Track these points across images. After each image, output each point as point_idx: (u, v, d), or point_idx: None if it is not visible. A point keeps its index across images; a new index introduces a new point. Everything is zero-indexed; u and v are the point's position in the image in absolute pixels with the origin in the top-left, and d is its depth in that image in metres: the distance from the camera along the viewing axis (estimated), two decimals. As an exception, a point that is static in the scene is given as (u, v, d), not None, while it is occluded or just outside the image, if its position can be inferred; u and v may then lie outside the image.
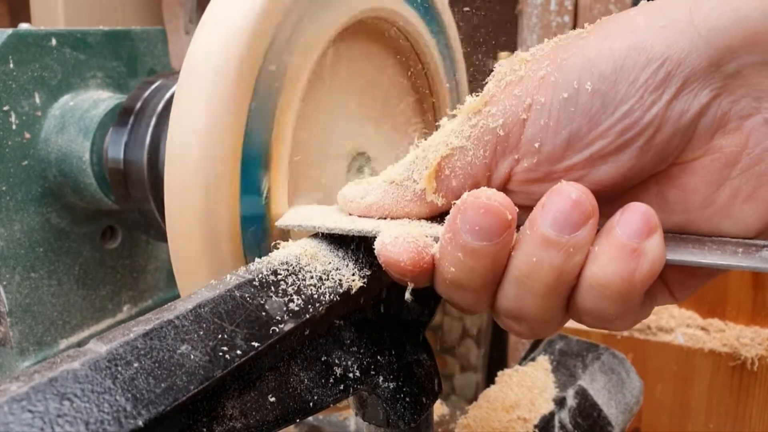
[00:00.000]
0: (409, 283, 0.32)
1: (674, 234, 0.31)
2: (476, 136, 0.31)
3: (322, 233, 0.35)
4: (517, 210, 0.29)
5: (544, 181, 0.31)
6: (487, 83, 0.32)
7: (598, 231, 0.29)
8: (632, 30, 0.29)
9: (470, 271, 0.30)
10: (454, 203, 0.30)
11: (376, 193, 0.34)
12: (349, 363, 0.32)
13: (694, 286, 0.32)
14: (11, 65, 0.49)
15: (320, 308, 0.30)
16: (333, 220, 0.35)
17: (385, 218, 0.34)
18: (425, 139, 0.34)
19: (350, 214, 0.35)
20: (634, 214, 0.28)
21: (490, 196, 0.28)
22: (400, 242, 0.31)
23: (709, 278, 0.32)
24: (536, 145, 0.30)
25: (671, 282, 0.32)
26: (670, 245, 0.29)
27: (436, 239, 0.31)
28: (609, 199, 0.31)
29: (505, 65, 0.32)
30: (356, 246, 0.34)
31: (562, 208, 0.28)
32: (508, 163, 0.31)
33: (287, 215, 0.38)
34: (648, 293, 0.31)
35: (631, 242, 0.28)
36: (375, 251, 0.31)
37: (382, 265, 0.31)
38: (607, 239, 0.28)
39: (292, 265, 0.32)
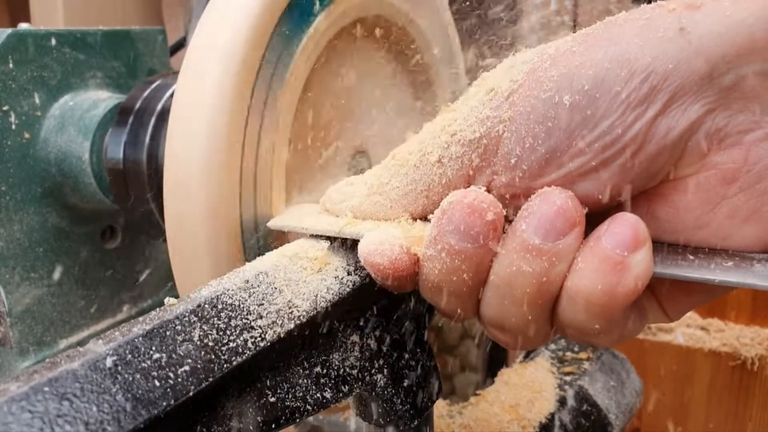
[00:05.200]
0: (391, 286, 0.31)
1: (666, 244, 0.29)
2: (454, 147, 0.30)
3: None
4: (504, 213, 0.28)
5: (524, 197, 0.29)
6: (468, 90, 0.31)
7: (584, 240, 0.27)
8: (616, 40, 0.27)
9: (453, 274, 0.28)
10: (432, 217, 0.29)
11: (356, 198, 0.33)
12: (349, 363, 0.32)
13: (690, 304, 0.30)
14: (11, 65, 0.49)
15: (320, 308, 0.30)
16: (323, 222, 0.34)
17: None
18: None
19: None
20: (623, 225, 0.26)
21: (476, 197, 0.28)
22: (381, 245, 0.30)
23: (707, 297, 0.30)
24: (513, 160, 0.28)
25: (663, 298, 0.30)
26: (659, 256, 0.27)
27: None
28: (596, 215, 0.29)
29: (488, 73, 0.30)
30: (354, 246, 0.34)
31: (546, 215, 0.27)
32: (485, 177, 0.29)
33: (281, 216, 0.38)
34: (637, 309, 0.30)
35: (615, 255, 0.26)
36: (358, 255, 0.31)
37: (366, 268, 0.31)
38: (592, 249, 0.27)
39: (291, 264, 0.32)
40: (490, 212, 0.27)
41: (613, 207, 0.29)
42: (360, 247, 0.31)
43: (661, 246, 0.28)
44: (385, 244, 0.30)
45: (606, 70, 0.26)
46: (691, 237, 0.28)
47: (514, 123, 0.28)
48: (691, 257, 0.27)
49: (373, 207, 0.33)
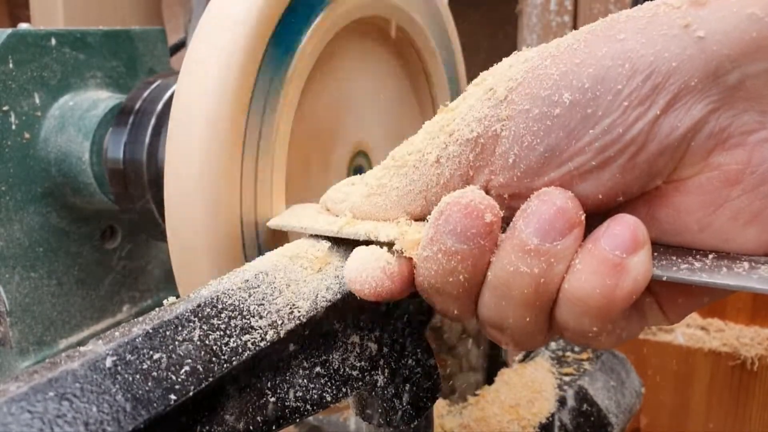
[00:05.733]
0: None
1: (666, 246, 0.28)
2: (452, 147, 0.29)
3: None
4: (502, 214, 0.28)
5: (523, 197, 0.28)
6: (467, 89, 0.30)
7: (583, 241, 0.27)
8: (618, 37, 0.26)
9: (450, 275, 0.28)
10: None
11: (355, 198, 0.33)
12: (349, 363, 0.32)
13: (690, 307, 0.30)
14: (11, 65, 0.49)
15: (320, 308, 0.30)
16: (323, 222, 0.34)
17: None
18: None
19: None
20: (621, 227, 0.26)
21: (473, 197, 0.27)
22: (364, 272, 0.30)
23: (708, 299, 0.29)
24: (510, 159, 0.28)
25: (663, 300, 0.29)
26: (658, 259, 0.27)
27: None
28: (595, 217, 0.28)
29: (487, 72, 0.30)
30: (354, 246, 0.34)
31: (545, 215, 0.26)
32: (484, 177, 0.29)
33: (280, 215, 0.38)
34: (636, 311, 0.29)
35: (614, 256, 0.26)
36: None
37: None
38: (590, 251, 0.26)
39: (291, 264, 0.32)
40: (488, 213, 0.27)
41: (613, 208, 0.28)
42: (344, 272, 0.31)
43: (661, 248, 0.28)
44: (368, 269, 0.30)
45: (607, 67, 0.26)
46: (692, 239, 0.28)
47: (512, 121, 0.28)
48: (692, 260, 0.27)
49: (372, 207, 0.32)
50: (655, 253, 0.27)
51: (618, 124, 0.26)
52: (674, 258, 0.27)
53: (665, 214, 0.28)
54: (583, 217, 0.27)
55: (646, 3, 0.27)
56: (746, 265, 0.26)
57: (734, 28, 0.24)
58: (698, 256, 0.27)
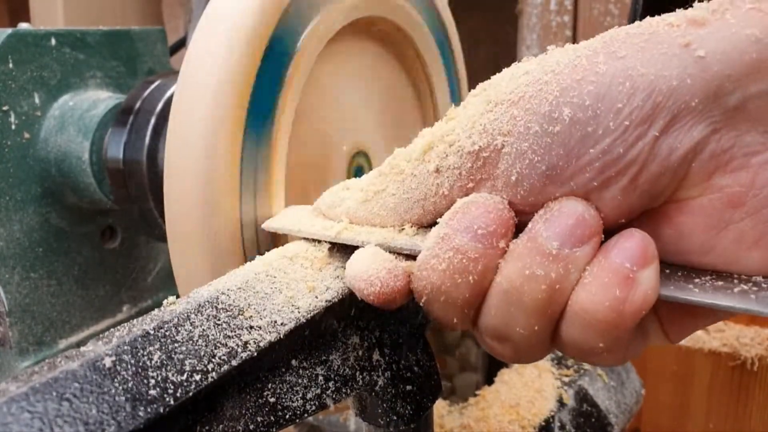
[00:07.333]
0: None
1: (671, 265, 0.28)
2: (452, 158, 0.29)
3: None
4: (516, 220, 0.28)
5: (525, 213, 0.28)
6: (467, 99, 0.30)
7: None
8: (620, 54, 0.26)
9: (459, 275, 0.28)
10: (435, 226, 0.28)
11: (351, 204, 0.33)
12: (349, 363, 0.32)
13: (693, 327, 0.29)
14: (11, 65, 0.49)
15: (320, 308, 0.30)
16: (319, 226, 0.34)
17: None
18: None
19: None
20: (632, 241, 0.26)
21: (491, 198, 0.27)
22: (368, 269, 0.29)
23: (710, 320, 0.29)
24: (513, 178, 0.27)
25: (666, 320, 0.29)
26: (664, 278, 0.27)
27: (412, 254, 0.30)
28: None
29: (487, 83, 0.29)
30: (351, 250, 0.34)
31: (568, 221, 0.26)
32: (485, 191, 0.29)
33: (277, 217, 0.38)
34: (640, 329, 0.29)
35: (625, 269, 0.25)
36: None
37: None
38: (600, 263, 0.26)
39: (291, 264, 0.32)
40: (505, 213, 0.27)
41: (616, 228, 0.28)
42: (347, 270, 0.30)
43: (667, 267, 0.27)
44: (371, 269, 0.29)
45: (608, 85, 0.26)
46: (696, 261, 0.27)
47: (513, 137, 0.27)
48: (697, 280, 0.26)
49: (368, 213, 0.32)
50: (667, 270, 0.27)
51: (618, 144, 0.26)
52: (680, 278, 0.27)
53: (668, 234, 0.28)
54: (601, 228, 0.27)
55: (646, 19, 0.27)
56: (753, 287, 0.26)
57: (734, 49, 0.24)
58: (704, 278, 0.27)
